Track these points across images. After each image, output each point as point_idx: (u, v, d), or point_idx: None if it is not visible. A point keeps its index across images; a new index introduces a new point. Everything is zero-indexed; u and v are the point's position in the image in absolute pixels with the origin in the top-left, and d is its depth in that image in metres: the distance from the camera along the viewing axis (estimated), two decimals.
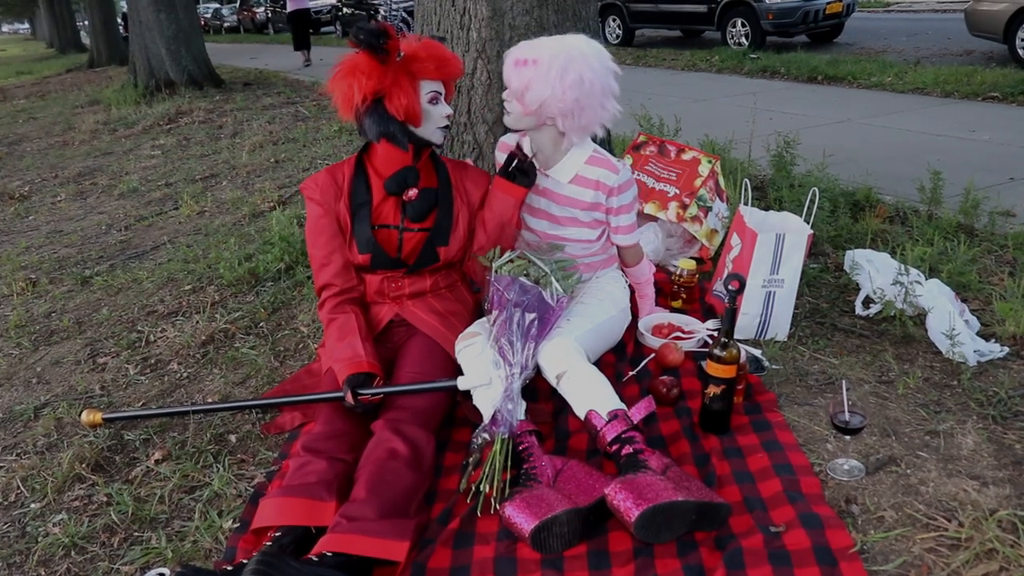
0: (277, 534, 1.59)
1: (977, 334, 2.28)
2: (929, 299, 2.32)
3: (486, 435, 1.83)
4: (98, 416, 2.19)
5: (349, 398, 1.86)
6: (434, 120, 2.00)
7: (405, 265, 2.08)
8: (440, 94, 2.00)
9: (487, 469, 1.76)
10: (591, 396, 1.83)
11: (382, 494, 1.62)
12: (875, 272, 2.51)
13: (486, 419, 1.85)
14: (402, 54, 1.92)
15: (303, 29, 11.86)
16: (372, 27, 1.86)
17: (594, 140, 2.19)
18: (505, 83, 2.04)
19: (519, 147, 2.10)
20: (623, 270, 2.39)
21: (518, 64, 1.98)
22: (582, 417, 1.84)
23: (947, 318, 2.22)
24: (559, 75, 1.92)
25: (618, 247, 2.31)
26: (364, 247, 2.03)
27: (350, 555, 1.50)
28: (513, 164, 2.07)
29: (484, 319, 2.05)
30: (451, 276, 2.20)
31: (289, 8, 12.16)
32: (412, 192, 2.03)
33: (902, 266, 2.40)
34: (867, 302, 2.52)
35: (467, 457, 1.84)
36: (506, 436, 1.80)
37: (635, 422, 1.80)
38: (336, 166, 2.09)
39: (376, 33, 1.85)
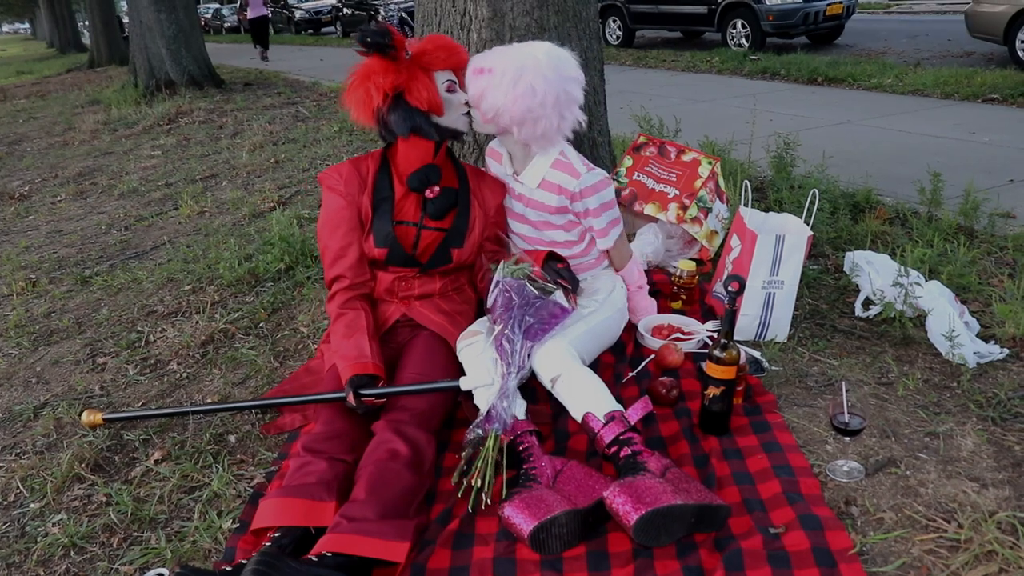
0: (276, 534, 1.59)
1: (977, 336, 2.29)
2: (929, 301, 2.32)
3: (480, 431, 1.82)
4: (98, 416, 2.19)
5: (351, 399, 1.86)
6: (455, 107, 2.03)
7: (419, 264, 2.08)
8: (455, 82, 2.04)
9: (479, 464, 1.76)
10: (586, 399, 1.83)
11: (382, 495, 1.62)
12: (875, 274, 2.51)
13: (481, 416, 1.84)
14: (410, 52, 1.96)
15: (262, 31, 14.69)
16: (375, 28, 1.91)
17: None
18: (466, 89, 2.07)
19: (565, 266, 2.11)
20: None
21: (475, 72, 2.01)
22: (579, 420, 1.84)
23: (947, 320, 2.22)
24: (511, 85, 1.93)
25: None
26: (382, 241, 2.04)
27: (350, 555, 1.50)
28: (558, 273, 2.05)
29: (486, 317, 2.05)
30: (459, 279, 2.21)
31: (250, 15, 14.71)
32: (435, 188, 2.05)
33: (902, 268, 2.40)
34: (867, 304, 2.52)
35: (461, 451, 1.84)
36: (499, 432, 1.80)
37: (632, 423, 1.80)
38: (359, 159, 2.10)
39: (381, 33, 1.90)
